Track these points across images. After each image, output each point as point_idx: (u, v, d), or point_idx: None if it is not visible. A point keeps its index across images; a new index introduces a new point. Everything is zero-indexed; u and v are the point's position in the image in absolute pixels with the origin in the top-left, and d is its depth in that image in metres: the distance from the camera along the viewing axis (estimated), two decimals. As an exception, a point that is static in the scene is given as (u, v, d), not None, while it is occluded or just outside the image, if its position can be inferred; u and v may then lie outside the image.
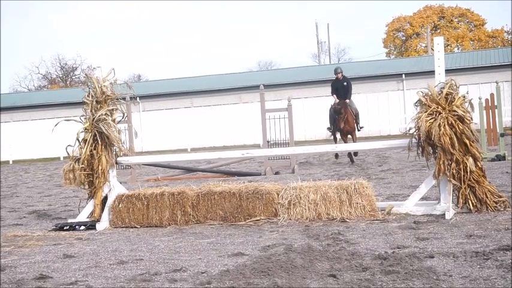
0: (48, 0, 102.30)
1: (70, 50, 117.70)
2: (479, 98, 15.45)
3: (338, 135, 17.78)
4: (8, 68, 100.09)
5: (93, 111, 8.87)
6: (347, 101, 17.41)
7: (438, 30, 62.15)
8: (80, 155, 8.83)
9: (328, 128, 18.06)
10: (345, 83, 17.69)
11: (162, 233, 7.78)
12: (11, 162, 39.13)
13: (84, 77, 9.63)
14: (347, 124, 17.24)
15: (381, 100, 38.98)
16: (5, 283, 5.42)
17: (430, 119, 7.69)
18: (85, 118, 8.95)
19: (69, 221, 8.78)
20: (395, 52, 65.70)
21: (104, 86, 8.95)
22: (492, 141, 15.38)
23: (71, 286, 5.23)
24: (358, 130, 17.77)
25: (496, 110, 15.15)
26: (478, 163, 7.65)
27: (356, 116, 17.63)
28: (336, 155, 18.15)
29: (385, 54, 66.33)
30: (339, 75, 17.70)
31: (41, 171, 25.74)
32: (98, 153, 8.75)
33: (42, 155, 40.42)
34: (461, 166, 7.57)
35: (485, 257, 5.20)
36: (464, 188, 7.59)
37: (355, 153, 17.95)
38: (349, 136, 17.62)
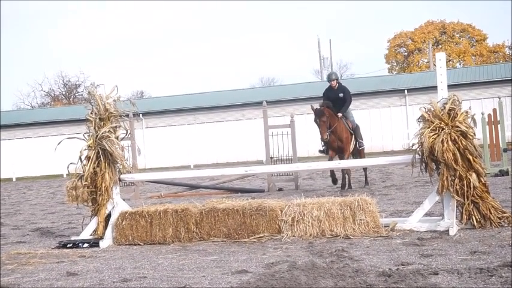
0: (50, 18, 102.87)
1: (73, 67, 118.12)
2: (482, 113, 15.49)
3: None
4: (11, 85, 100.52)
5: (96, 128, 8.89)
6: (339, 114, 13.76)
7: (440, 46, 62.33)
8: (83, 172, 8.84)
9: (321, 151, 14.37)
10: (341, 94, 14.10)
11: (165, 250, 7.76)
12: (14, 180, 39.14)
13: (88, 94, 9.65)
14: (336, 139, 13.53)
15: (383, 116, 39.01)
16: (9, 301, 5.41)
17: (433, 135, 7.69)
18: (88, 135, 8.97)
19: (73, 238, 8.77)
20: (397, 68, 65.85)
21: (107, 103, 8.97)
22: (495, 157, 15.37)
23: (74, 304, 5.21)
24: (359, 147, 14.19)
25: (499, 125, 15.16)
26: (482, 179, 7.64)
27: (355, 131, 14.10)
28: (333, 179, 14.01)
29: (387, 69, 66.50)
30: (333, 83, 14.14)
31: (44, 189, 25.75)
32: (101, 170, 8.76)
33: (45, 172, 40.46)
34: (465, 182, 7.56)
35: (489, 274, 5.18)
36: (468, 204, 7.57)
37: (366, 181, 14.62)
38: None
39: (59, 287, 5.91)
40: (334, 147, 13.65)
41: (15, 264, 7.30)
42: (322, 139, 13.38)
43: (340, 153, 13.72)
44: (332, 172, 14.02)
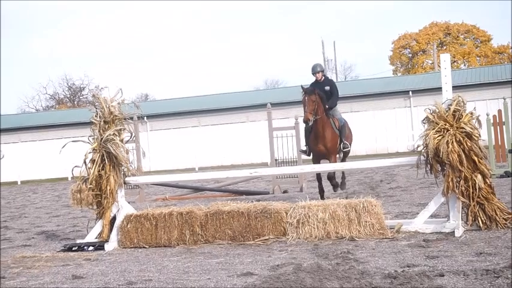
0: (54, 20, 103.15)
1: (77, 70, 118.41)
2: (487, 114, 15.46)
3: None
4: (15, 89, 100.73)
5: (101, 131, 8.91)
6: (327, 106, 11.95)
7: (444, 47, 62.23)
8: (88, 175, 8.85)
9: (303, 151, 12.61)
10: (327, 87, 12.40)
11: (170, 253, 7.76)
12: (19, 183, 39.21)
13: (92, 97, 9.67)
14: (321, 142, 11.73)
15: (388, 117, 38.95)
16: (14, 305, 5.41)
17: (438, 136, 7.68)
18: (93, 138, 8.98)
19: (78, 241, 8.78)
20: (401, 69, 65.78)
21: (112, 106, 8.99)
22: (500, 158, 15.33)
23: (80, 307, 5.21)
24: (343, 149, 12.10)
25: (504, 126, 15.13)
26: (487, 180, 7.63)
27: (341, 130, 12.10)
28: (321, 193, 12.44)
29: (392, 71, 66.48)
30: (318, 75, 12.46)
31: (49, 192, 25.78)
32: (106, 173, 8.77)
33: (50, 176, 40.51)
34: (470, 183, 7.54)
35: (495, 275, 5.16)
36: (474, 205, 7.56)
37: (342, 183, 12.79)
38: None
39: (64, 290, 5.91)
40: (318, 152, 11.91)
41: (21, 267, 7.31)
42: (304, 119, 11.59)
43: (324, 159, 12.00)
44: (321, 189, 12.46)
